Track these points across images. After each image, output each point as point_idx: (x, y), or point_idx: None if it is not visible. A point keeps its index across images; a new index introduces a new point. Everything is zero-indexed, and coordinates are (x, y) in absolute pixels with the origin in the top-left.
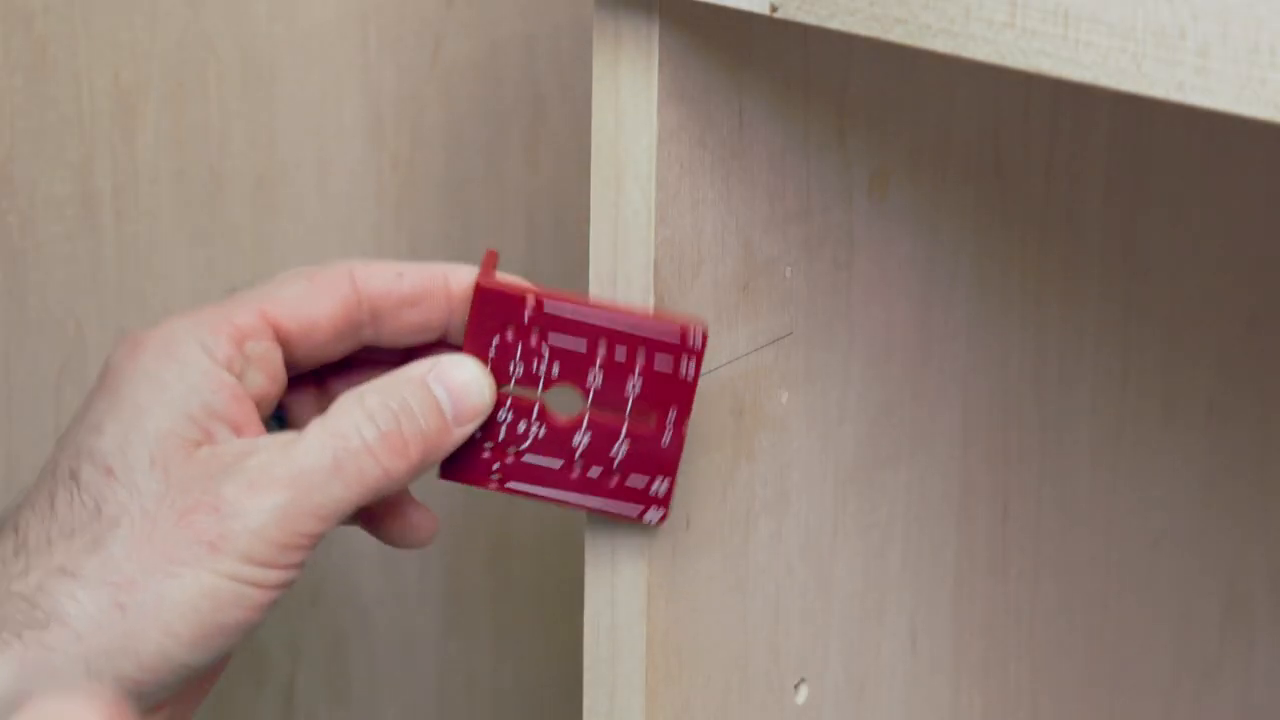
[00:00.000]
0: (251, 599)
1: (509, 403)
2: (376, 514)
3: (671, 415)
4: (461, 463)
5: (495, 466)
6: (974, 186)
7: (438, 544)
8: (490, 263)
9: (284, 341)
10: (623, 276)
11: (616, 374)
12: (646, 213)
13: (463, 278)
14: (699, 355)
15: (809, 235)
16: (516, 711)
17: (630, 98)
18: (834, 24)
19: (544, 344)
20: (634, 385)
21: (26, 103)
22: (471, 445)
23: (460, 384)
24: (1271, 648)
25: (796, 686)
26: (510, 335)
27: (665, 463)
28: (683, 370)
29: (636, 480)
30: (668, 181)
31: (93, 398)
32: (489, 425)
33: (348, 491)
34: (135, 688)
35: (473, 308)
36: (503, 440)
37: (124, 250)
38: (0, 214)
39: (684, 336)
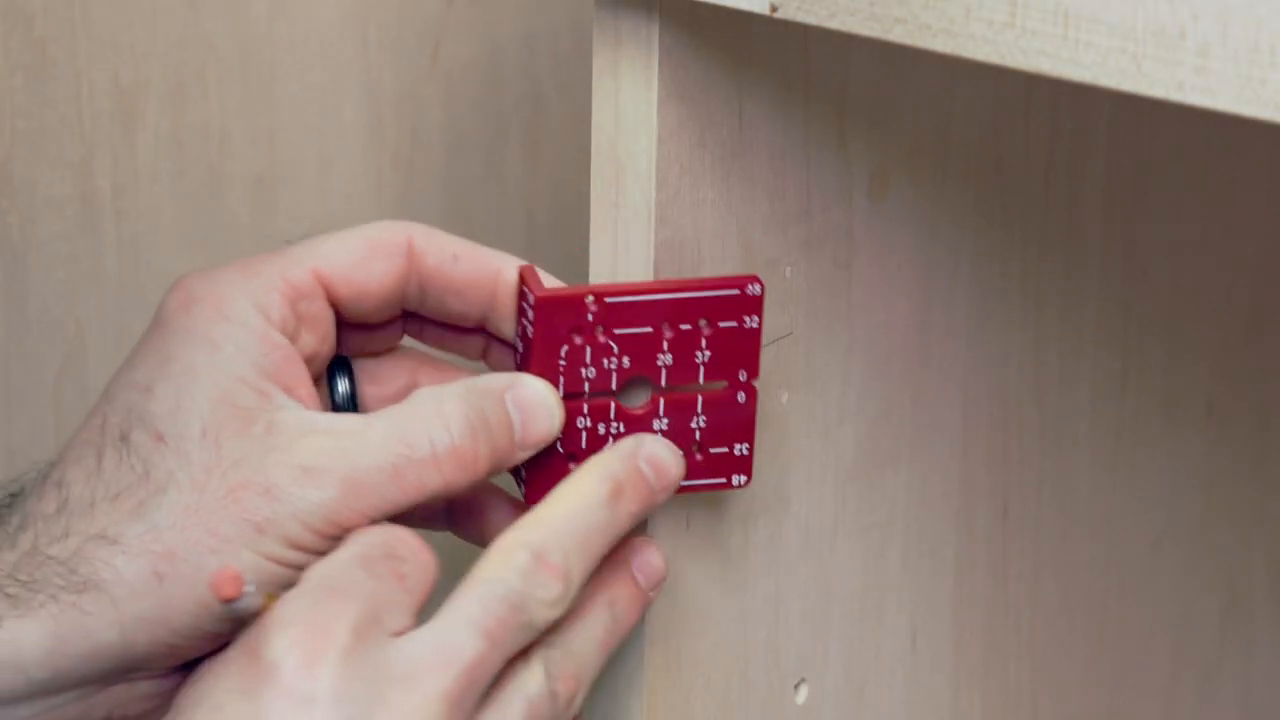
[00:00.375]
0: (287, 580)
1: (586, 409)
2: (477, 524)
3: (742, 374)
4: (547, 484)
5: None
6: (974, 186)
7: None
8: (533, 275)
9: (333, 303)
10: (623, 276)
11: (685, 347)
12: (646, 213)
13: (513, 277)
14: (760, 303)
15: (809, 235)
16: None
17: (630, 98)
18: (834, 24)
19: (610, 340)
20: (702, 354)
21: (26, 103)
22: (555, 462)
23: (533, 408)
24: (1271, 648)
25: (796, 686)
26: (578, 339)
27: (743, 425)
28: (747, 322)
29: (718, 450)
30: (668, 181)
31: (143, 349)
32: (570, 436)
33: (402, 496)
34: (169, 652)
35: (536, 323)
36: (585, 448)
37: (124, 250)
38: (0, 214)
39: (743, 288)
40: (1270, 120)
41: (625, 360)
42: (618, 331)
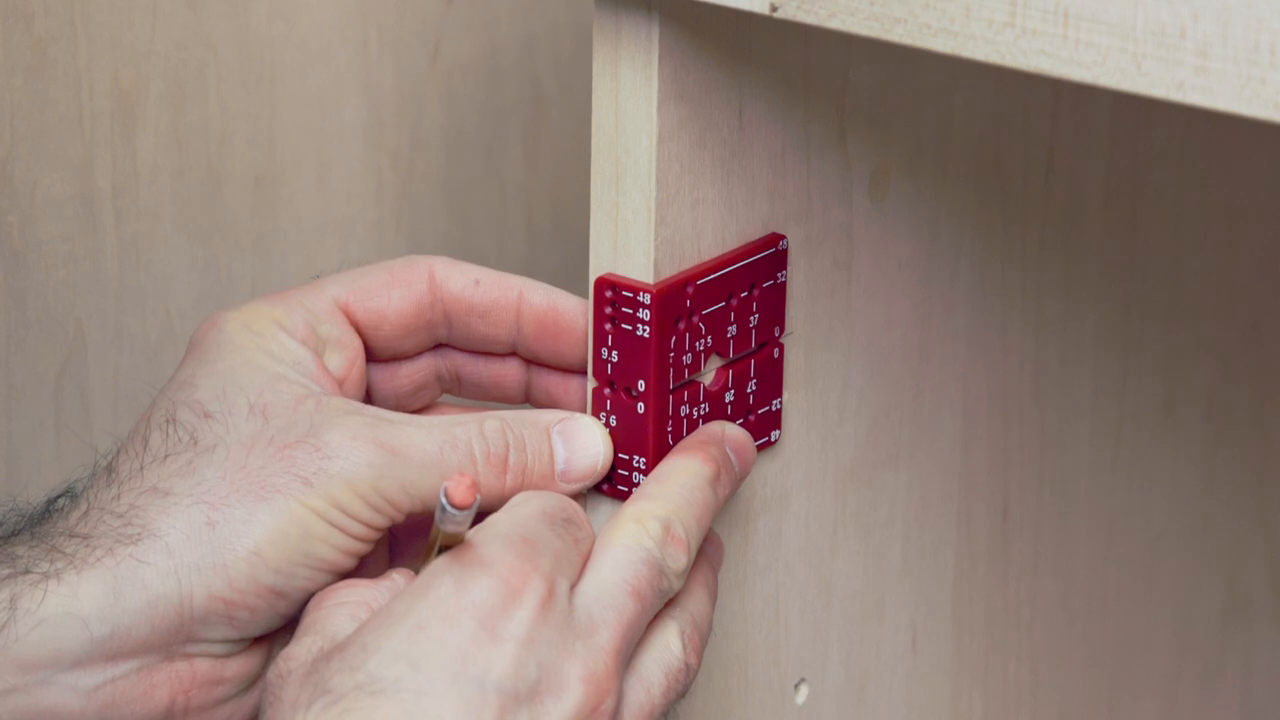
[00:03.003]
0: (336, 541)
1: (686, 395)
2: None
3: (776, 330)
4: None
5: None
6: (974, 186)
7: None
8: (623, 280)
9: (356, 329)
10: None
11: (743, 315)
12: (646, 213)
13: (535, 297)
14: (787, 257)
15: (809, 235)
16: None
17: (630, 97)
18: (834, 24)
19: (700, 321)
20: (754, 317)
21: (26, 103)
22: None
23: (581, 445)
24: (1271, 647)
25: (796, 686)
26: (681, 325)
27: (777, 380)
28: (779, 278)
29: (763, 409)
30: (668, 181)
31: (182, 366)
32: (675, 426)
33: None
34: (226, 609)
35: (655, 319)
36: (686, 434)
37: (124, 250)
38: (0, 214)
39: (775, 245)
40: (1270, 120)
41: (710, 339)
42: (704, 312)
